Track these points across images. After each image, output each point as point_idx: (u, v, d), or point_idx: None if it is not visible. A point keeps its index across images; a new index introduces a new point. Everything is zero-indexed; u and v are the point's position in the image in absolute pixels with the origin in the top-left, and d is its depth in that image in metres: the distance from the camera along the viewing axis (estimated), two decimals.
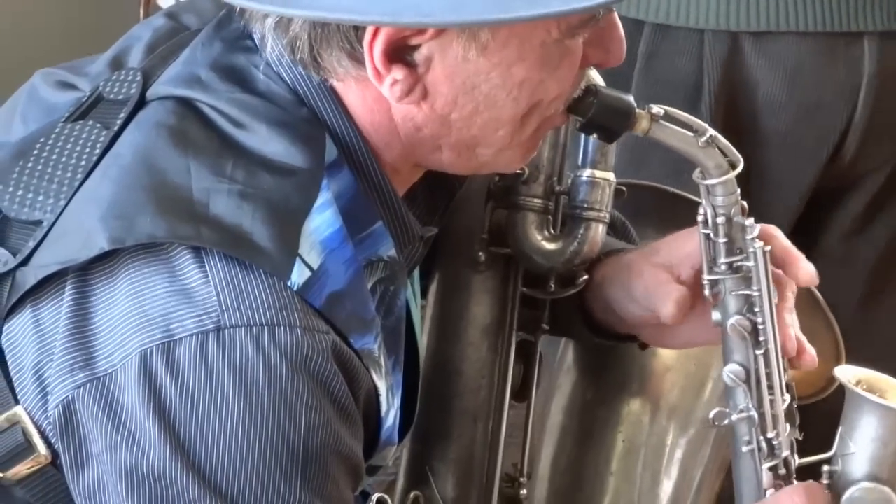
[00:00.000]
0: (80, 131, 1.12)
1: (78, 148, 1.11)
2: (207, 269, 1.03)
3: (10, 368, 1.06)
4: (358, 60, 1.07)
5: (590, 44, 1.11)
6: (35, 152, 1.11)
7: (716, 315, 1.19)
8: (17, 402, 1.05)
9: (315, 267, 1.04)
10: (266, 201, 1.04)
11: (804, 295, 1.33)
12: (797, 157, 1.75)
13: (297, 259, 1.04)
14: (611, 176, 1.29)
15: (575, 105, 1.15)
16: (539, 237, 1.30)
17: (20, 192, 1.10)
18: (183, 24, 1.19)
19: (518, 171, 1.29)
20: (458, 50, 1.06)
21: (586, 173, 1.28)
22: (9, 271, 1.06)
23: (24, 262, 1.06)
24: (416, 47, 1.06)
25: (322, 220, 1.06)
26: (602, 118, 1.16)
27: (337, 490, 1.04)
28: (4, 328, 1.06)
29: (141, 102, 1.12)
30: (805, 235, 1.80)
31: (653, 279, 1.25)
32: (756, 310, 1.17)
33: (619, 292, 1.28)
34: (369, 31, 1.04)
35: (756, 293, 1.17)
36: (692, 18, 1.71)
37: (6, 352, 1.06)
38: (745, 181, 1.71)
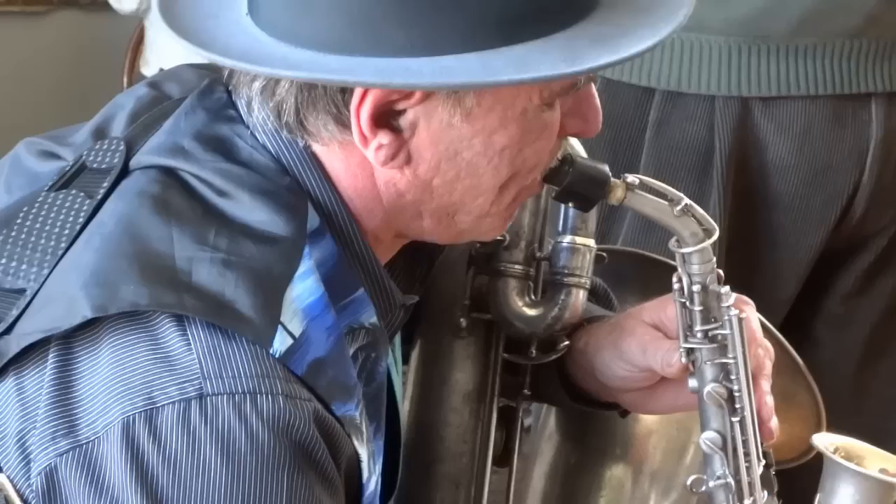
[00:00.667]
0: (64, 200, 1.12)
1: (62, 217, 1.11)
2: (190, 336, 1.03)
3: None
4: (344, 125, 1.08)
5: (568, 114, 1.13)
6: (19, 221, 1.12)
7: (692, 382, 1.19)
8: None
9: (297, 334, 1.05)
10: (249, 269, 1.05)
11: (785, 359, 1.34)
12: (806, 220, 1.77)
13: (280, 327, 1.04)
14: (591, 242, 1.30)
15: (551, 174, 1.16)
16: (520, 303, 1.31)
17: (3, 261, 1.10)
18: (165, 93, 1.20)
19: (499, 238, 1.29)
20: (444, 115, 1.07)
21: (567, 239, 1.29)
22: None
23: (8, 331, 1.07)
24: (402, 112, 1.07)
25: (304, 288, 1.07)
26: (578, 187, 1.17)
27: None
28: None
29: (124, 171, 1.13)
30: (806, 297, 1.82)
31: (646, 336, 1.25)
32: (732, 377, 1.18)
33: (608, 354, 1.28)
34: (357, 94, 1.06)
35: (732, 361, 1.18)
36: (703, 85, 1.72)
37: None
38: (755, 243, 1.76)
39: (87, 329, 1.04)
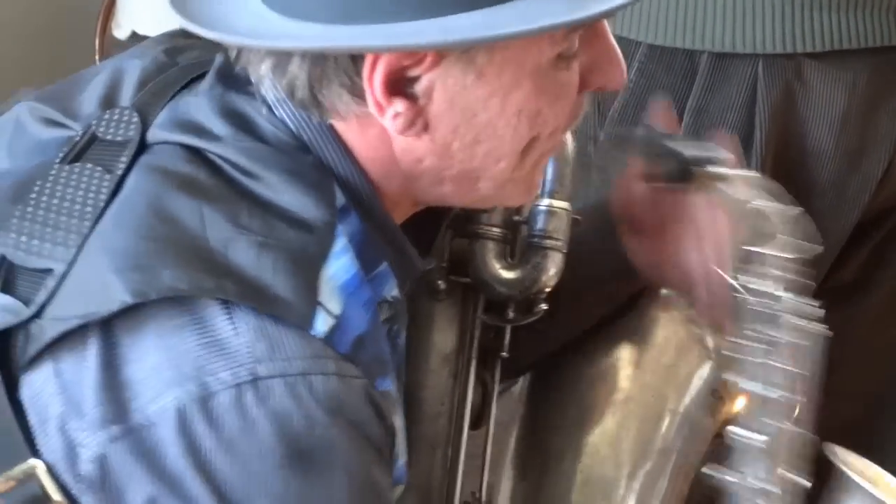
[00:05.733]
0: (80, 175, 1.10)
1: (81, 193, 1.08)
2: (236, 321, 1.01)
3: (31, 422, 1.04)
4: (358, 96, 1.06)
5: (588, 70, 1.11)
6: (34, 196, 1.09)
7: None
8: (35, 454, 1.03)
9: (337, 313, 1.04)
10: (285, 252, 1.04)
11: None
12: (844, 200, 1.76)
13: (319, 307, 1.03)
14: (568, 206, 1.30)
15: None
16: (498, 266, 1.31)
17: (24, 239, 1.07)
18: (169, 60, 1.18)
19: None
20: (457, 77, 1.06)
21: (544, 203, 1.30)
22: (23, 322, 1.04)
23: (39, 314, 1.04)
24: (416, 79, 1.06)
25: (339, 266, 1.06)
26: None
27: None
28: (24, 381, 1.04)
29: (142, 145, 1.11)
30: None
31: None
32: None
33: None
34: (367, 63, 1.05)
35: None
36: (755, 43, 1.70)
37: (27, 405, 1.04)
38: None
39: (128, 314, 1.02)
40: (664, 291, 1.43)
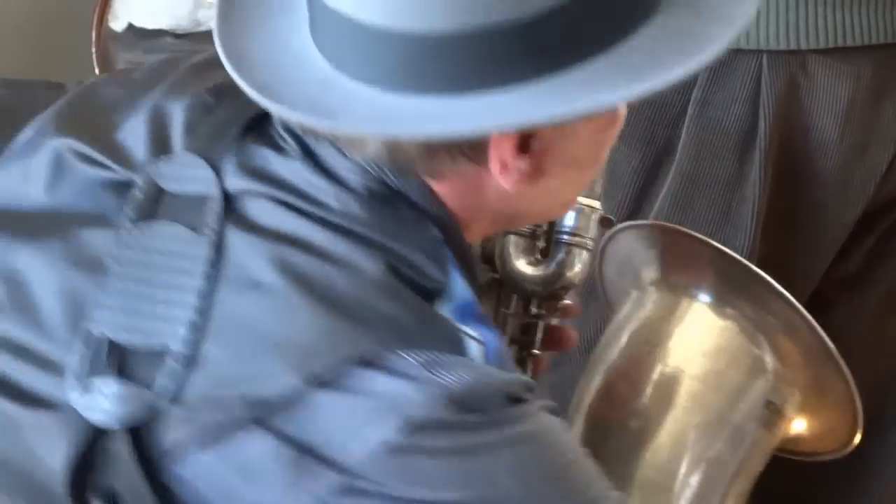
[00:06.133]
0: (167, 239, 1.00)
1: (177, 261, 0.99)
2: (409, 361, 0.96)
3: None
4: (477, 160, 1.00)
5: None
6: (117, 267, 1.00)
7: None
8: None
9: (479, 337, 1.02)
10: (415, 296, 1.00)
11: (816, 345, 1.34)
12: (846, 195, 1.76)
13: (464, 336, 1.01)
14: (596, 204, 1.32)
15: None
16: (524, 261, 1.33)
17: (121, 317, 0.98)
18: (210, 99, 1.08)
19: None
20: (575, 125, 1.02)
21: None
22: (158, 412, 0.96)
23: (175, 400, 0.96)
24: (536, 134, 1.00)
25: (459, 295, 1.04)
26: None
27: None
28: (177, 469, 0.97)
29: (226, 198, 1.01)
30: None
31: None
32: None
33: None
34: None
35: None
36: (759, 39, 1.69)
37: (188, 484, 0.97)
38: (794, 221, 1.74)
39: (301, 394, 0.95)
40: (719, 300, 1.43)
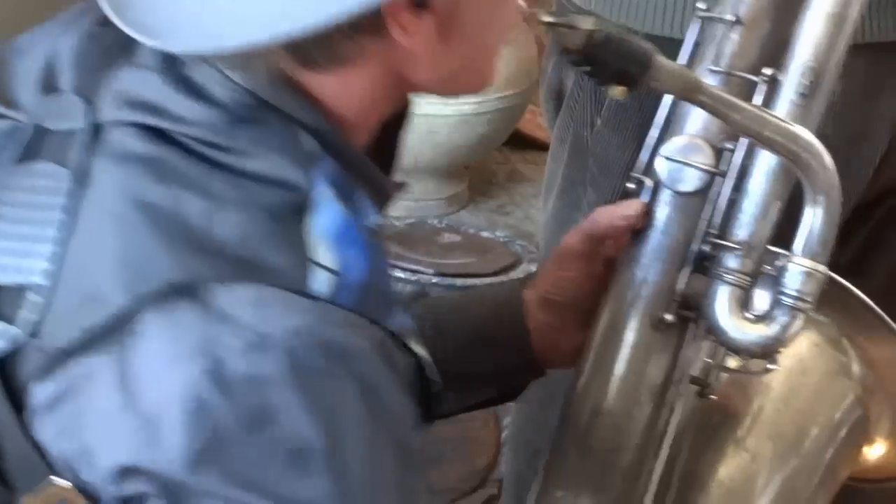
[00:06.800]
0: (37, 175, 1.04)
1: (41, 197, 1.03)
2: (234, 292, 0.98)
3: (49, 447, 1.01)
4: (377, 32, 1.02)
5: None
6: None
7: None
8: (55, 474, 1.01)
9: (336, 267, 1.01)
10: (268, 216, 1.01)
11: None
12: (844, 186, 1.72)
13: (314, 267, 1.00)
14: (827, 270, 1.21)
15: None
16: (738, 315, 1.23)
17: None
18: (98, 30, 1.09)
19: (731, 245, 1.23)
20: None
21: (806, 263, 1.20)
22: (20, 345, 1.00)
23: (35, 334, 1.00)
24: None
25: (326, 215, 1.02)
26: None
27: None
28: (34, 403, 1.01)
29: (95, 131, 1.04)
30: None
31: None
32: None
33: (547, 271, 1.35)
34: None
35: None
36: None
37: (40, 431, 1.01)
38: (788, 212, 1.71)
39: (129, 316, 0.98)
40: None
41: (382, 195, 1.11)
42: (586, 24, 1.06)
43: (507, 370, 1.35)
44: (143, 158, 1.02)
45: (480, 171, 3.47)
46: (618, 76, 1.07)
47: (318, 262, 1.01)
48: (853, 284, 1.70)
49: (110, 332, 0.98)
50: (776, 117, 1.18)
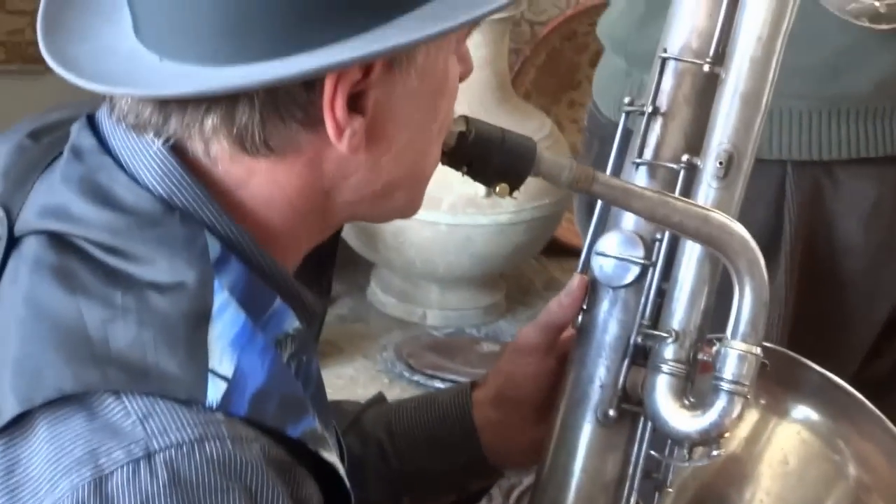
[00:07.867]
0: None
1: None
2: (126, 404, 0.99)
3: None
4: (311, 126, 1.03)
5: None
6: None
7: None
8: None
9: (230, 375, 1.01)
10: (163, 325, 1.00)
11: None
12: (877, 295, 1.76)
13: (210, 375, 1.00)
14: (760, 352, 1.20)
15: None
16: (677, 404, 1.22)
17: None
18: (25, 142, 1.13)
19: (663, 334, 1.23)
20: (402, 83, 1.05)
21: (739, 346, 1.19)
22: None
23: None
24: (366, 93, 1.04)
25: (226, 322, 1.02)
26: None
27: None
28: None
29: (11, 241, 1.07)
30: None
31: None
32: None
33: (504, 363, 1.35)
34: (328, 86, 1.01)
35: None
36: (782, 149, 1.69)
37: None
38: (822, 322, 1.72)
39: (21, 422, 1.00)
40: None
41: (306, 311, 1.11)
42: (457, 125, 1.08)
43: (457, 470, 1.35)
44: (50, 266, 1.03)
45: (517, 279, 3.46)
46: (500, 173, 1.07)
47: (214, 370, 1.01)
48: (889, 393, 1.70)
49: (2, 435, 1.00)
50: (684, 201, 1.18)
